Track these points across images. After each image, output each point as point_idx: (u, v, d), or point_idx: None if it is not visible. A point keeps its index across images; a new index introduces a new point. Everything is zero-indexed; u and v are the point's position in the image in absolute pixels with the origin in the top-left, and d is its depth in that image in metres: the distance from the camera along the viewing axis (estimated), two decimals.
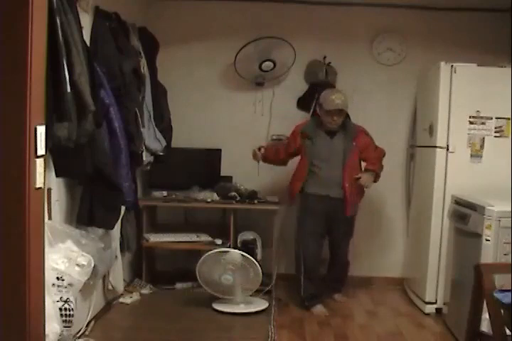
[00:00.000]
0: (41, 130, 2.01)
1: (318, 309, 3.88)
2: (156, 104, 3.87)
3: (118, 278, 3.69)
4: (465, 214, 3.37)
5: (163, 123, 3.98)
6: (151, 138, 3.76)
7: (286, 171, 4.15)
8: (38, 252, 2.08)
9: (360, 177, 3.81)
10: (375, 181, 3.91)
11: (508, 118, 3.71)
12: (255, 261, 3.72)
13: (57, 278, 2.54)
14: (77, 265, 2.65)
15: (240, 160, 4.49)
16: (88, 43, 2.95)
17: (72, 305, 2.58)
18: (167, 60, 4.23)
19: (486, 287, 2.34)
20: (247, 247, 4.05)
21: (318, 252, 3.95)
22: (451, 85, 3.73)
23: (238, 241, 4.13)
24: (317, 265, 3.97)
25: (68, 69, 2.43)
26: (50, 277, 2.47)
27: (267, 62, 4.34)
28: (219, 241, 4.08)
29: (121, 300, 3.81)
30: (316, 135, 3.87)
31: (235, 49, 4.31)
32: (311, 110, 4.38)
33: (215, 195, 4.24)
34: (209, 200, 4.18)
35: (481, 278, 2.37)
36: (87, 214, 2.94)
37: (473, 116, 3.72)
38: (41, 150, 2.01)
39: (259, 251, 4.13)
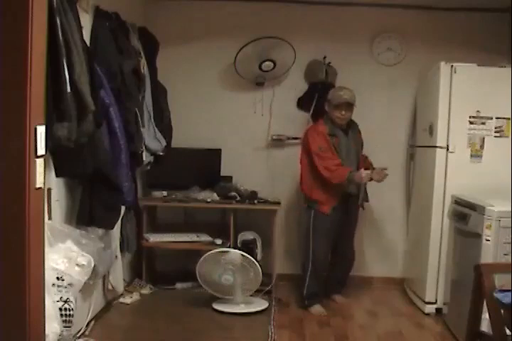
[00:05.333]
0: (41, 130, 2.01)
1: (317, 309, 3.88)
2: (156, 104, 3.87)
3: (118, 278, 3.69)
4: (465, 214, 3.37)
5: (163, 123, 3.98)
6: (151, 138, 3.76)
7: (286, 171, 4.15)
8: (38, 252, 2.07)
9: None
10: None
11: (508, 118, 3.71)
12: (255, 261, 3.72)
13: (57, 278, 2.54)
14: (77, 265, 2.65)
15: (239, 160, 4.50)
16: (88, 43, 2.95)
17: (72, 305, 2.58)
18: (167, 60, 4.23)
19: (486, 287, 2.34)
20: (247, 247, 4.05)
21: (328, 252, 3.97)
22: (451, 85, 3.73)
23: (238, 241, 4.14)
24: (325, 265, 3.98)
25: (68, 69, 2.43)
26: (50, 277, 2.47)
27: (267, 62, 4.34)
28: (219, 241, 4.08)
29: (121, 300, 3.81)
30: (337, 133, 3.85)
31: (235, 49, 4.30)
32: (311, 110, 4.39)
33: (215, 195, 4.24)
34: (209, 200, 4.17)
35: (481, 278, 2.37)
36: (87, 214, 2.94)
37: (473, 116, 3.72)
38: (41, 150, 2.01)
39: (259, 251, 4.13)
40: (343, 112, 3.81)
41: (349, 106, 3.82)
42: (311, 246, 3.89)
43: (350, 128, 3.92)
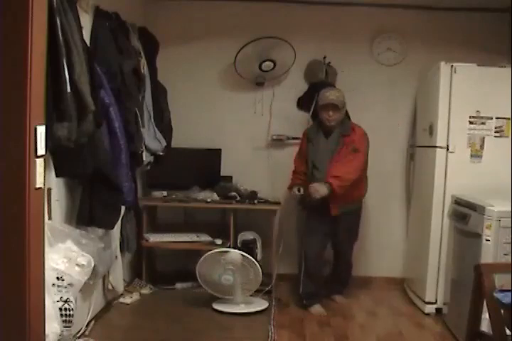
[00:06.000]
0: (41, 130, 2.01)
1: (316, 309, 3.88)
2: (156, 104, 3.87)
3: (118, 278, 3.69)
4: (465, 214, 3.37)
5: (163, 123, 3.98)
6: (151, 138, 3.76)
7: (286, 171, 4.15)
8: (38, 252, 2.07)
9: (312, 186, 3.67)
10: (331, 194, 3.63)
11: (508, 118, 3.71)
12: (255, 261, 3.72)
13: (57, 278, 2.54)
14: (77, 265, 2.65)
15: (239, 160, 4.50)
16: (88, 43, 2.95)
17: (72, 305, 2.58)
18: (167, 60, 4.23)
19: (486, 287, 2.34)
20: (247, 247, 4.06)
21: (320, 252, 3.96)
22: (451, 85, 3.73)
23: (238, 241, 4.14)
24: (319, 265, 3.96)
25: (68, 69, 2.43)
26: (50, 277, 2.47)
27: (267, 62, 4.34)
28: (219, 241, 4.08)
29: (121, 300, 3.81)
30: (316, 137, 3.89)
31: (235, 49, 4.30)
32: (311, 110, 4.39)
33: (215, 195, 4.24)
34: (209, 200, 4.18)
35: (481, 278, 2.37)
36: (87, 214, 2.94)
37: (473, 116, 3.72)
38: (41, 150, 2.01)
39: (259, 251, 4.13)
40: (330, 113, 3.78)
41: (336, 107, 3.78)
42: (303, 246, 3.94)
43: (338, 129, 3.82)
